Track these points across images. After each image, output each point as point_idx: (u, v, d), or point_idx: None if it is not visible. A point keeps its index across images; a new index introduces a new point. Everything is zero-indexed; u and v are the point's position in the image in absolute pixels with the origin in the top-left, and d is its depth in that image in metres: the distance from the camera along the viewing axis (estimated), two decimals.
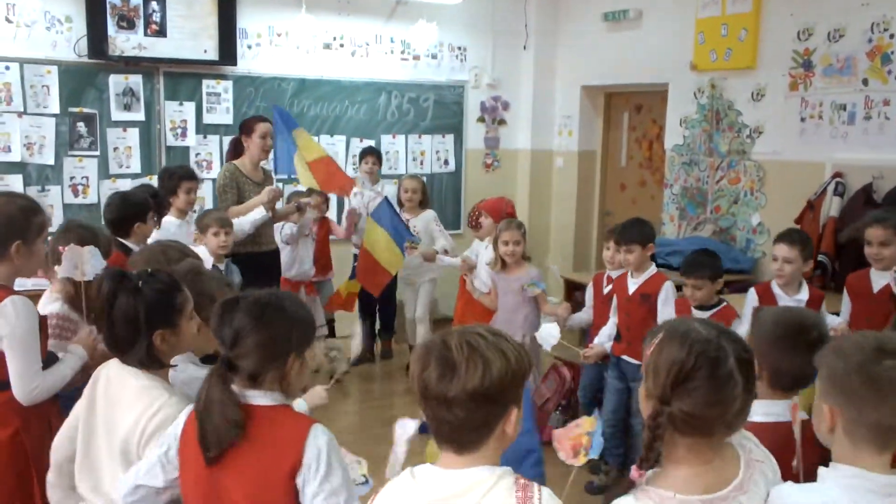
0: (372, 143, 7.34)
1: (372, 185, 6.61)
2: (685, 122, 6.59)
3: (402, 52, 7.47)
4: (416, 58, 7.54)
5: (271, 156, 5.52)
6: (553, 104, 8.05)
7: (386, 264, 5.60)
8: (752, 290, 4.25)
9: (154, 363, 2.27)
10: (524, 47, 7.93)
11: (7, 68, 5.89)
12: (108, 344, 2.32)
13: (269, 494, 1.94)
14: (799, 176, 5.63)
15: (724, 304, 4.27)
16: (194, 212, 5.39)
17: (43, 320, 2.84)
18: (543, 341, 2.93)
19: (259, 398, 1.99)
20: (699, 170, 6.49)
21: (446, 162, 7.81)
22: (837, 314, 4.15)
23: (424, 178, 7.54)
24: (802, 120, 5.67)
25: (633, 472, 1.64)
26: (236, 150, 5.52)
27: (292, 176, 5.22)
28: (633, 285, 4.51)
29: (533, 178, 8.11)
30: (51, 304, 3.05)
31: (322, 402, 2.79)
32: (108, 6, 6.04)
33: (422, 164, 7.68)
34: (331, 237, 6.60)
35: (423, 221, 6.24)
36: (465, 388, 1.57)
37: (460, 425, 1.61)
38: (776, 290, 4.11)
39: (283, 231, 5.70)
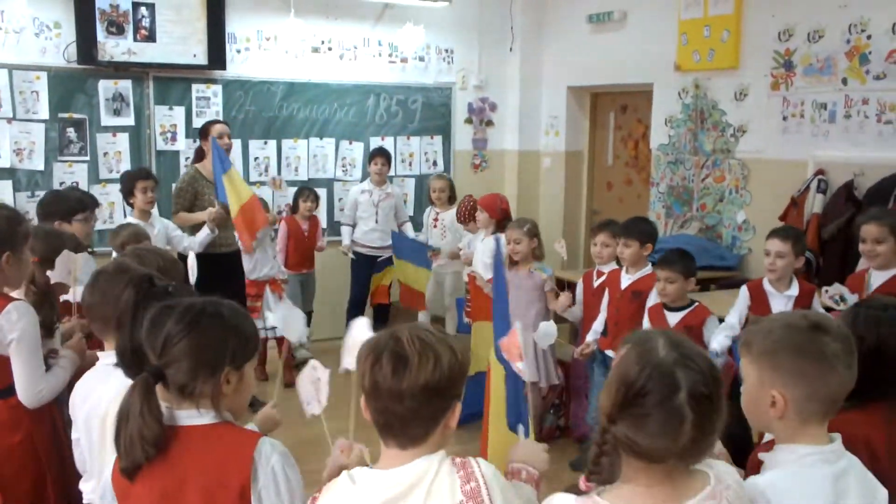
0: (361, 145, 7.42)
1: (380, 186, 6.78)
2: (670, 121, 6.67)
3: (390, 55, 7.53)
4: (404, 60, 7.60)
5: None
6: (540, 105, 8.12)
7: (416, 285, 6.23)
8: (743, 288, 4.32)
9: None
10: (510, 49, 8.00)
11: None
12: (121, 353, 2.10)
13: None
14: (782, 174, 5.71)
15: (696, 304, 4.34)
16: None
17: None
18: (541, 340, 3.01)
19: (192, 419, 1.86)
20: (685, 168, 6.57)
21: (435, 163, 7.87)
22: (827, 310, 4.21)
23: (413, 180, 7.68)
24: (785, 119, 5.76)
25: (582, 483, 1.59)
26: (199, 156, 5.71)
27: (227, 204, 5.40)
28: (626, 281, 4.61)
29: (521, 178, 8.19)
30: None
31: (274, 426, 2.37)
32: (97, 12, 6.09)
33: (410, 165, 7.74)
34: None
35: (450, 218, 6.61)
36: (417, 381, 1.61)
37: (411, 418, 1.64)
38: (767, 286, 4.18)
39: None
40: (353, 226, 6.83)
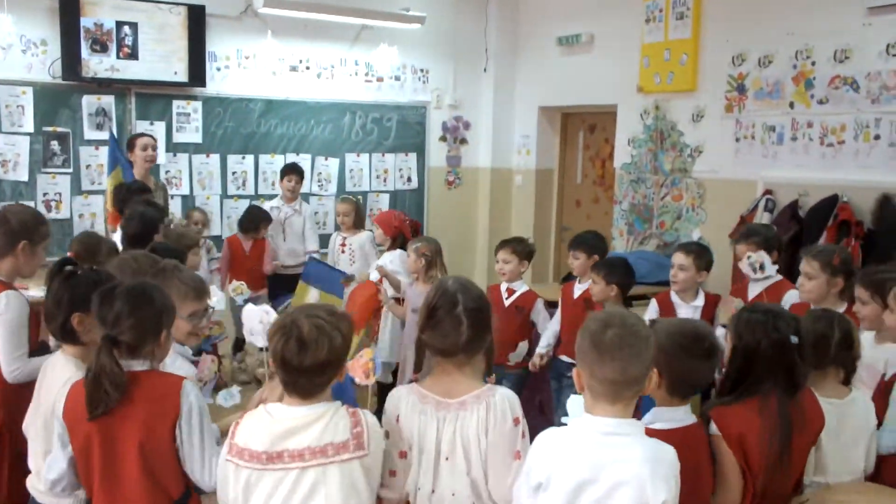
0: (337, 161, 7.67)
1: (290, 203, 6.62)
2: (633, 141, 6.93)
3: (366, 75, 7.79)
4: (380, 80, 7.87)
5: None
6: (512, 124, 8.40)
7: None
8: (653, 300, 4.59)
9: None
10: (484, 70, 8.28)
11: None
12: None
13: (156, 442, 2.33)
14: (734, 193, 5.96)
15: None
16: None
17: (32, 315, 3.22)
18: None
19: (137, 366, 2.38)
20: (645, 187, 6.83)
21: (409, 179, 8.12)
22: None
23: (388, 195, 7.91)
24: (737, 140, 6.02)
25: (411, 374, 2.37)
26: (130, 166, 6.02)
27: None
28: (578, 290, 4.84)
29: (493, 195, 8.46)
30: None
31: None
32: (81, 30, 6.34)
33: (385, 181, 7.99)
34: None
35: (359, 242, 6.19)
36: (316, 359, 2.13)
37: (311, 383, 2.17)
38: (674, 298, 4.45)
39: None
40: None
